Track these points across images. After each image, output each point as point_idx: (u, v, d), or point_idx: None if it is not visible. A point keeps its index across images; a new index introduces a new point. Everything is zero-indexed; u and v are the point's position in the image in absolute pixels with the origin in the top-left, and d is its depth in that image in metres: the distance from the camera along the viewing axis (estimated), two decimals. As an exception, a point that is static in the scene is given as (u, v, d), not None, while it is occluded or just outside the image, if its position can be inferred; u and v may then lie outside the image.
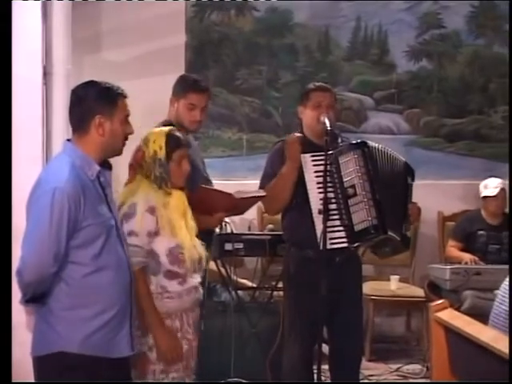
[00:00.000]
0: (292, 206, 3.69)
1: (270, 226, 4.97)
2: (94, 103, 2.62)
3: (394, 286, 5.30)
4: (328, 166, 3.52)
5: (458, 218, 5.49)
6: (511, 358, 2.15)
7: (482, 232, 5.23)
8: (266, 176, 3.77)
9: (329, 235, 3.49)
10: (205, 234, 3.25)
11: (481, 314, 3.11)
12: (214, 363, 3.96)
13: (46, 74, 3.86)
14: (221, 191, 3.57)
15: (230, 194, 3.54)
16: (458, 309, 4.25)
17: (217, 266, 4.29)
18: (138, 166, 3.05)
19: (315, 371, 3.60)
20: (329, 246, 3.49)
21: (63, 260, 2.54)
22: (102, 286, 2.60)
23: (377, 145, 3.69)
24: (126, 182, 3.11)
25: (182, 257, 2.96)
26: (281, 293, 4.08)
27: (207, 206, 3.40)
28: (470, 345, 2.36)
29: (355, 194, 3.53)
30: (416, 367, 5.05)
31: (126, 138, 2.71)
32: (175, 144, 3.03)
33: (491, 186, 5.25)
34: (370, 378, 4.88)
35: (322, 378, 3.94)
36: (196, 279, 3.08)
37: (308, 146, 3.64)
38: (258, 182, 3.83)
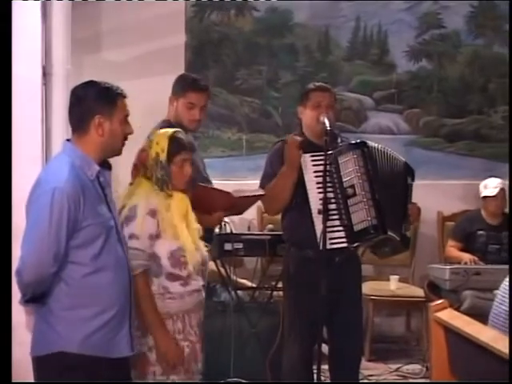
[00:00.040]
0: (292, 206, 3.69)
1: (270, 226, 4.97)
2: (93, 103, 2.62)
3: (393, 285, 5.30)
4: (327, 166, 3.52)
5: (458, 218, 5.49)
6: (511, 357, 2.15)
7: (481, 232, 5.23)
8: (266, 176, 3.77)
9: (328, 235, 3.49)
10: (204, 234, 3.24)
11: (480, 314, 3.12)
12: (213, 363, 3.96)
13: (46, 74, 3.86)
14: (219, 190, 3.57)
15: (228, 193, 3.54)
16: (457, 309, 4.25)
17: (216, 266, 4.29)
18: (141, 167, 3.03)
19: (315, 371, 3.60)
20: (328, 246, 3.49)
21: (63, 260, 2.54)
22: (102, 286, 2.60)
23: (376, 145, 3.69)
24: (131, 182, 3.10)
25: (183, 259, 2.94)
26: (280, 293, 4.08)
27: (206, 204, 3.39)
28: (469, 345, 2.36)
29: (355, 194, 3.53)
30: (416, 367, 5.05)
31: (126, 138, 2.71)
32: (178, 147, 3.01)
33: (491, 186, 5.25)
34: (370, 378, 4.88)
35: (322, 378, 3.94)
36: (199, 281, 3.04)
37: (308, 146, 3.63)
38: (257, 182, 3.83)
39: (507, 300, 2.87)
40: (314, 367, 3.62)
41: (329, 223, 3.49)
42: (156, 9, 5.35)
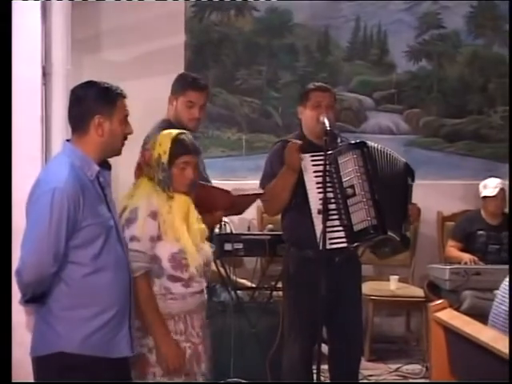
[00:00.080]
0: (291, 206, 3.69)
1: (270, 226, 4.97)
2: (93, 103, 2.62)
3: (393, 286, 5.30)
4: (327, 166, 3.52)
5: (458, 218, 5.49)
6: (511, 357, 2.15)
7: (481, 232, 5.23)
8: (266, 176, 3.77)
9: (328, 235, 3.49)
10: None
11: (480, 314, 3.12)
12: (213, 363, 3.96)
13: (46, 74, 3.86)
14: (218, 188, 3.57)
15: (227, 191, 3.54)
16: (457, 309, 4.25)
17: (216, 266, 4.29)
18: (145, 166, 3.00)
19: (315, 371, 3.60)
20: (328, 246, 3.49)
21: (63, 260, 2.54)
22: (102, 286, 2.60)
23: (376, 145, 3.68)
24: (134, 181, 3.08)
25: (185, 262, 2.90)
26: (280, 293, 4.08)
27: (205, 203, 3.38)
28: (469, 345, 2.36)
29: (354, 194, 3.53)
30: (415, 367, 5.05)
31: (126, 138, 2.71)
32: (180, 150, 2.95)
33: (491, 186, 5.25)
34: (370, 378, 4.88)
35: (322, 378, 3.94)
36: (202, 283, 3.00)
37: (307, 146, 3.63)
38: (257, 182, 3.83)
39: (507, 300, 2.87)
40: (314, 367, 3.62)
41: (329, 223, 3.49)
42: (156, 9, 5.35)
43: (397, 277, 5.33)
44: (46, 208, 2.49)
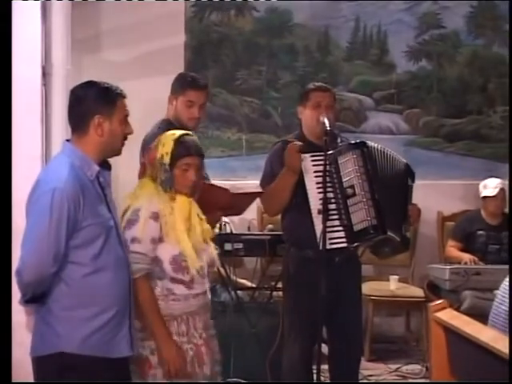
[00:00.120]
0: (292, 206, 3.69)
1: (270, 226, 4.97)
2: (93, 103, 2.62)
3: (393, 286, 5.30)
4: (327, 166, 3.52)
5: (458, 218, 5.49)
6: (511, 357, 2.15)
7: (481, 232, 5.23)
8: (266, 177, 3.77)
9: (328, 235, 3.48)
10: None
11: (480, 314, 3.12)
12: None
13: (46, 74, 3.85)
14: (217, 186, 3.56)
15: (225, 189, 3.53)
16: (457, 309, 4.25)
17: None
18: (149, 166, 2.98)
19: (315, 371, 3.60)
20: (328, 246, 3.49)
21: (63, 260, 2.54)
22: (102, 286, 2.60)
23: (376, 145, 3.68)
24: (138, 181, 3.07)
25: (185, 264, 2.87)
26: (280, 293, 4.08)
27: (204, 200, 3.38)
28: (469, 345, 2.36)
29: (354, 194, 3.53)
30: (415, 367, 5.05)
31: (126, 138, 2.71)
32: (183, 151, 2.91)
33: (491, 186, 5.25)
34: (370, 378, 4.88)
35: (322, 378, 3.94)
36: (205, 284, 2.97)
37: (307, 146, 3.63)
38: (257, 182, 3.84)
39: (507, 300, 2.86)
40: (314, 367, 3.62)
41: (329, 223, 3.49)
42: (156, 9, 5.35)
43: (397, 277, 5.33)
44: (45, 208, 2.49)
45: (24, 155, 3.67)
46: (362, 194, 3.53)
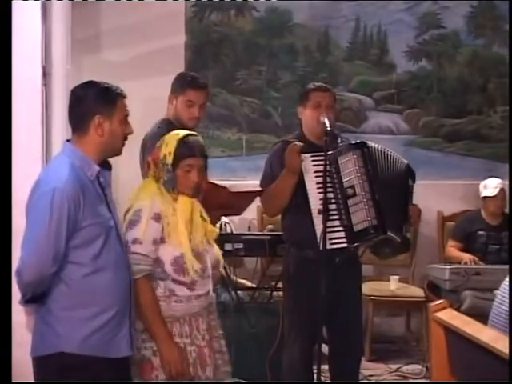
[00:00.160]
0: (292, 206, 3.69)
1: (270, 226, 4.97)
2: (93, 103, 2.62)
3: (393, 286, 5.30)
4: (328, 167, 3.51)
5: (458, 218, 5.49)
6: (511, 357, 2.15)
7: (481, 232, 5.23)
8: (266, 177, 3.77)
9: (328, 235, 3.48)
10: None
11: (480, 314, 3.11)
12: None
13: (46, 74, 3.85)
14: (216, 184, 3.56)
15: (224, 187, 3.53)
16: (457, 309, 4.25)
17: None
18: (153, 165, 2.95)
19: (315, 371, 3.60)
20: (328, 247, 3.49)
21: (63, 260, 2.54)
22: (102, 286, 2.60)
23: (376, 145, 3.68)
24: (142, 180, 3.06)
25: (185, 266, 2.84)
26: (280, 293, 4.08)
27: (203, 198, 3.38)
28: (469, 345, 2.36)
29: (354, 195, 3.53)
30: (415, 367, 5.05)
31: (126, 138, 2.71)
32: (186, 152, 2.88)
33: (491, 186, 5.25)
34: (370, 378, 4.88)
35: (322, 378, 3.94)
36: (208, 286, 2.94)
37: (308, 147, 3.63)
38: (257, 182, 3.83)
39: (507, 300, 2.86)
40: (314, 367, 3.62)
41: (329, 223, 3.48)
42: (156, 9, 5.35)
43: (397, 277, 5.33)
44: (46, 208, 2.49)
45: (24, 155, 3.66)
46: (363, 194, 3.53)
